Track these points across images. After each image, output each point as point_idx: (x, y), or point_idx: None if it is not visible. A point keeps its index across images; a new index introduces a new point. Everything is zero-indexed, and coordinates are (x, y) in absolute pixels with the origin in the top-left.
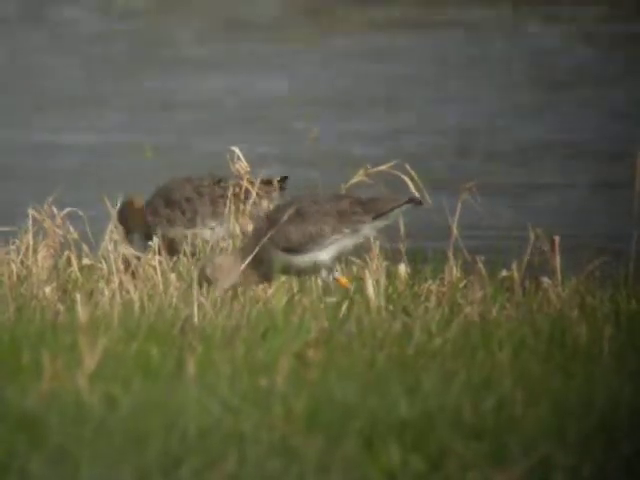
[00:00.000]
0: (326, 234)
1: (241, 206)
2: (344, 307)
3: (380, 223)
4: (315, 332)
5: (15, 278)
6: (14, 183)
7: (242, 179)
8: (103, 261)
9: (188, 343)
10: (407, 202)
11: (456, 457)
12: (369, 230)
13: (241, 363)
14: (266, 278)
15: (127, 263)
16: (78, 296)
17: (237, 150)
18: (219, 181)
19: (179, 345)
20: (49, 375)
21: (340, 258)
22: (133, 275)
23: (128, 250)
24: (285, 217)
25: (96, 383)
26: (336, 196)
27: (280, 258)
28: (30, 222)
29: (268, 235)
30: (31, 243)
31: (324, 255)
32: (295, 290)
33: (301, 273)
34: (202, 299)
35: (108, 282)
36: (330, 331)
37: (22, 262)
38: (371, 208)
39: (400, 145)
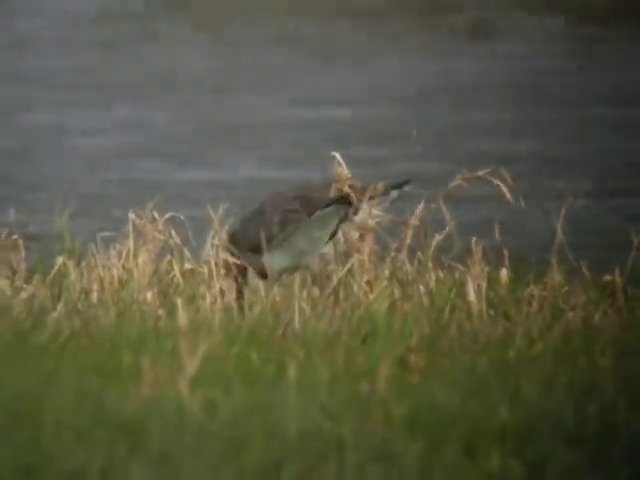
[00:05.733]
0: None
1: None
2: (446, 312)
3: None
4: (416, 337)
5: (116, 283)
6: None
7: (343, 185)
8: (204, 266)
9: (289, 348)
10: (336, 202)
11: (557, 463)
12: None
13: (341, 368)
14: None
15: (229, 268)
16: (179, 301)
17: (337, 155)
18: (328, 186)
19: (279, 350)
20: (149, 380)
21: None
22: (239, 295)
23: (231, 257)
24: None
25: (196, 388)
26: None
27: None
28: (131, 226)
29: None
30: (132, 248)
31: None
32: (397, 295)
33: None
34: (303, 304)
35: (209, 287)
36: (432, 336)
37: (123, 267)
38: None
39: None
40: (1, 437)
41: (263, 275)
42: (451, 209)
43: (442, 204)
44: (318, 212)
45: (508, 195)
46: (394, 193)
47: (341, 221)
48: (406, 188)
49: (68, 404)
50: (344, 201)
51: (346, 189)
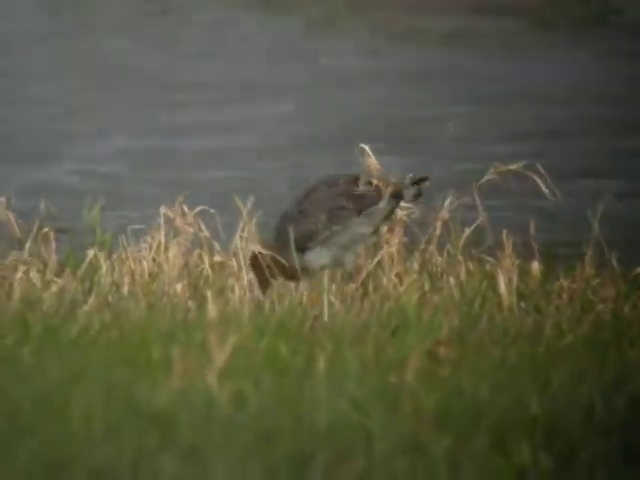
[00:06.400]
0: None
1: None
2: (476, 305)
3: (368, 219)
4: (446, 330)
5: (147, 276)
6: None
7: (373, 177)
8: (234, 258)
9: (318, 340)
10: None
11: (586, 454)
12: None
13: (371, 360)
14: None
15: (257, 261)
16: (209, 293)
17: (366, 147)
18: (356, 179)
19: (309, 342)
20: (179, 372)
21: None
22: (265, 286)
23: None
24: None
25: (225, 380)
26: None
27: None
28: (162, 220)
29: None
30: (163, 241)
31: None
32: (426, 288)
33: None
34: (332, 297)
35: (238, 279)
36: (461, 329)
37: (154, 260)
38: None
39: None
40: (31, 431)
41: (293, 273)
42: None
43: (476, 196)
44: (368, 209)
45: (544, 188)
46: (413, 189)
47: (387, 217)
48: (426, 184)
49: (98, 397)
50: (395, 196)
51: (375, 181)
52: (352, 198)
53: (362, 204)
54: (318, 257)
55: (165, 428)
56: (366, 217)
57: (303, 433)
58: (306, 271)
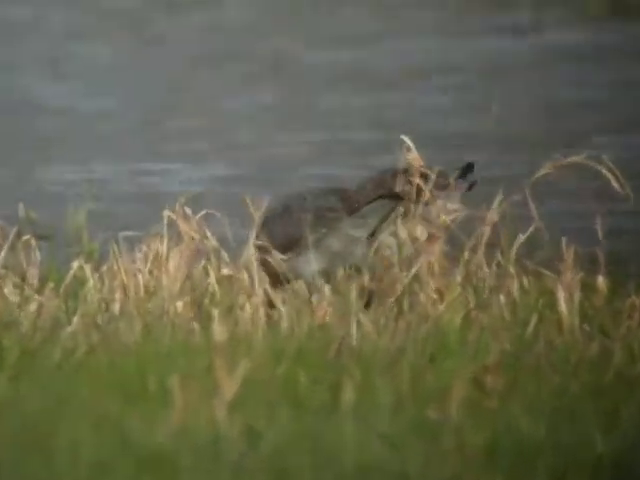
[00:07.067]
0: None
1: (412, 207)
2: (531, 325)
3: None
4: (495, 354)
5: (142, 292)
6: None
7: (414, 173)
8: (244, 271)
9: (344, 367)
10: (381, 197)
11: None
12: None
13: (406, 391)
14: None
15: (272, 271)
16: (215, 312)
17: (407, 139)
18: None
19: (333, 370)
20: (180, 405)
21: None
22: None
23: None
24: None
25: (235, 414)
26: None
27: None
28: (165, 225)
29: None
30: (163, 250)
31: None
32: (471, 305)
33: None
34: (361, 316)
35: (250, 296)
36: (513, 353)
37: (150, 272)
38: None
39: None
40: (9, 472)
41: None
42: (536, 204)
43: (529, 196)
44: (361, 210)
45: (615, 184)
46: (461, 184)
47: (384, 219)
48: (471, 176)
49: (85, 433)
50: (392, 196)
51: (416, 179)
52: (343, 197)
53: (354, 204)
54: (306, 265)
55: (163, 470)
56: (360, 218)
57: (327, 476)
58: (296, 280)
